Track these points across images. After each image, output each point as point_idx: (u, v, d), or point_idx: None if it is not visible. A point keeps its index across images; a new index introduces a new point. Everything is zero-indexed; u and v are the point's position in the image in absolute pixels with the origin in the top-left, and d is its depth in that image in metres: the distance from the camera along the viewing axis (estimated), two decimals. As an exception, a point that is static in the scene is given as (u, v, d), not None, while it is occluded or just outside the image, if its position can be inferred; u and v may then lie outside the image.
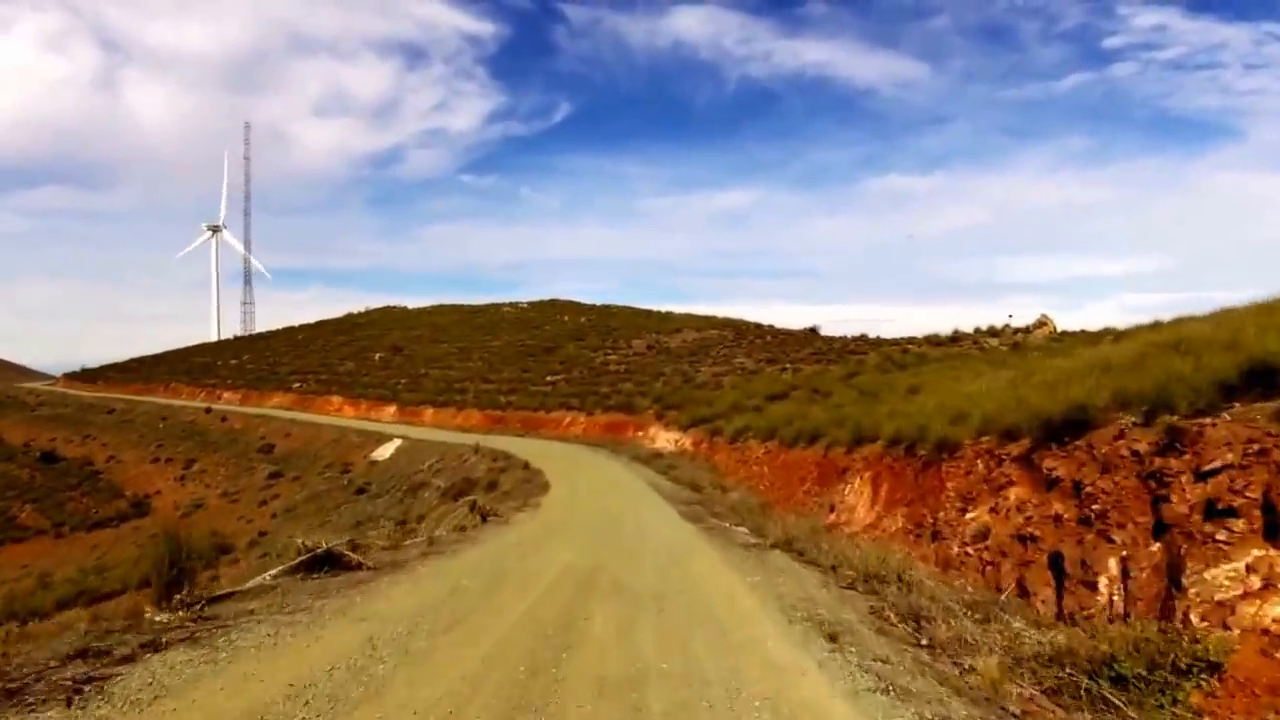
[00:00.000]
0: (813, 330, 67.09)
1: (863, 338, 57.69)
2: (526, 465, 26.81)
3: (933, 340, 51.52)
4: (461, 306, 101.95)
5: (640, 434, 37.63)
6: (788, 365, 46.79)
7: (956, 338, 51.31)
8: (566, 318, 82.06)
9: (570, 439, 41.16)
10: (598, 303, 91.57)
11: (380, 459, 42.19)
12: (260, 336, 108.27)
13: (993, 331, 51.44)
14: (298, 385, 67.04)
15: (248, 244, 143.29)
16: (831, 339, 60.43)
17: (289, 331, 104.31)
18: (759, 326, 71.08)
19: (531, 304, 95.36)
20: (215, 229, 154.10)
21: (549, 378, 56.52)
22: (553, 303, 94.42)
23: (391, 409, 57.41)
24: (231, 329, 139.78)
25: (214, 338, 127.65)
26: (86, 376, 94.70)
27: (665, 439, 34.46)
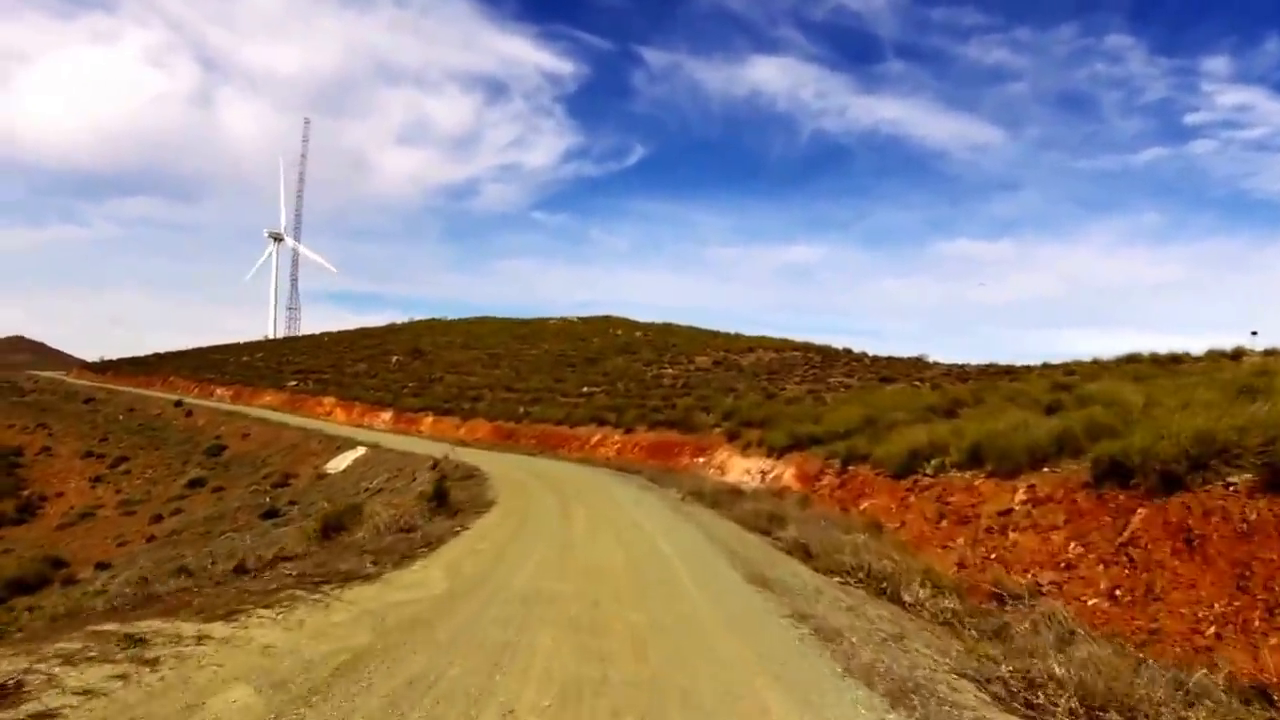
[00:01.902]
0: (919, 358, 52.83)
1: (990, 365, 43.26)
2: (488, 504, 14.36)
3: (1099, 363, 36.88)
4: (508, 319, 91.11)
5: (701, 459, 24.38)
6: (919, 381, 32.94)
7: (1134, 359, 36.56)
8: (619, 331, 69.84)
9: (597, 462, 28.15)
10: (657, 320, 78.91)
11: (332, 471, 30.06)
12: (290, 338, 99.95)
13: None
14: (293, 384, 56.37)
15: (297, 240, 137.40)
16: (949, 364, 46.36)
17: (323, 335, 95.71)
18: (849, 351, 57.17)
19: (582, 318, 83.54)
20: (278, 237, 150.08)
21: (585, 389, 43.88)
22: (606, 318, 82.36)
23: (387, 415, 45.66)
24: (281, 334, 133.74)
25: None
26: (99, 367, 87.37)
27: (744, 467, 21.14)
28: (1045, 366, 37.21)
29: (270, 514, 23.71)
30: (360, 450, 31.42)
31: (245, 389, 58.22)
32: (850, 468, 15.70)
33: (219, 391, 59.99)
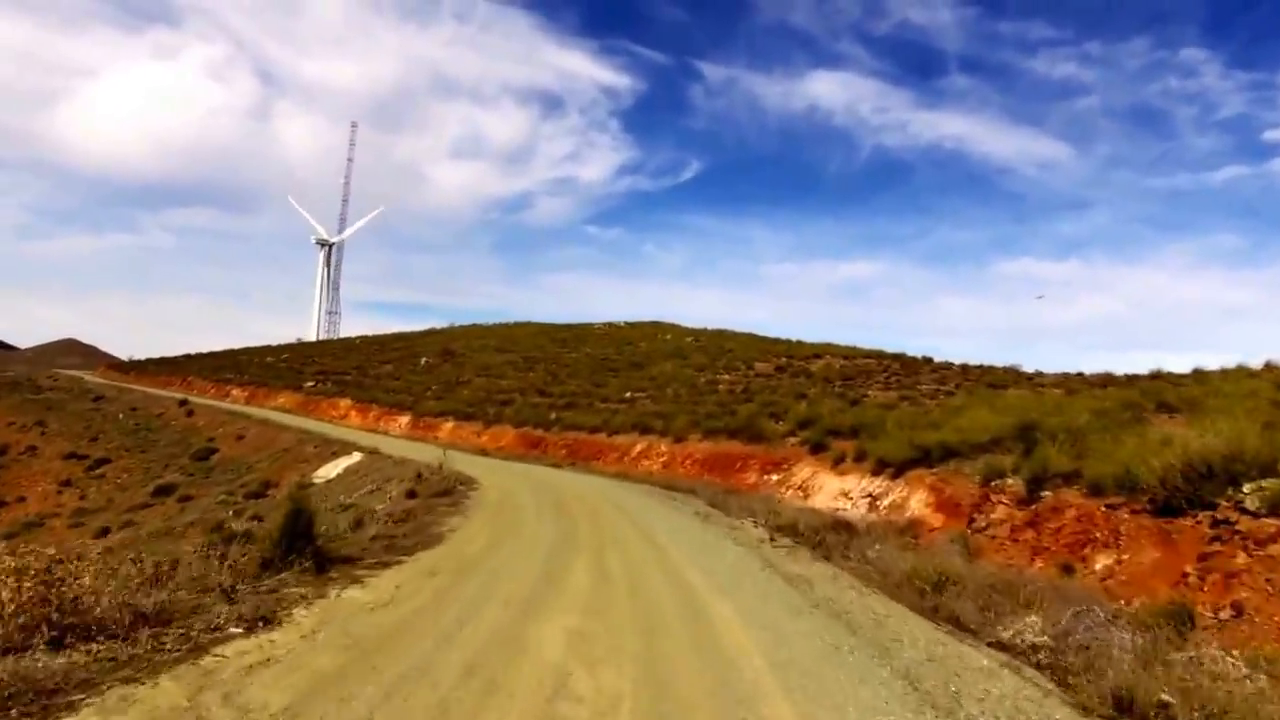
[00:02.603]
0: (1013, 367, 45.75)
1: (1107, 375, 36.37)
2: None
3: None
4: (549, 324, 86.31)
5: (774, 476, 18.53)
6: (1040, 387, 26.47)
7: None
8: (669, 336, 64.24)
9: (638, 477, 22.42)
10: (710, 327, 73.02)
11: (320, 480, 25.02)
12: (323, 341, 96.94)
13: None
14: (310, 385, 52.08)
15: (340, 246, 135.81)
16: (1053, 374, 39.58)
17: (357, 338, 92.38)
18: (929, 360, 50.39)
19: (630, 323, 78.14)
20: (325, 243, 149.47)
21: (628, 394, 38.25)
22: (655, 324, 76.80)
23: (404, 419, 40.72)
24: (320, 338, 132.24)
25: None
26: (124, 367, 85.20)
27: (838, 488, 15.25)
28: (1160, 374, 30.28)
29: (221, 529, 18.59)
30: (356, 457, 26.36)
31: (260, 390, 54.22)
32: (1043, 493, 9.63)
33: (234, 392, 56.13)
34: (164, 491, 26.89)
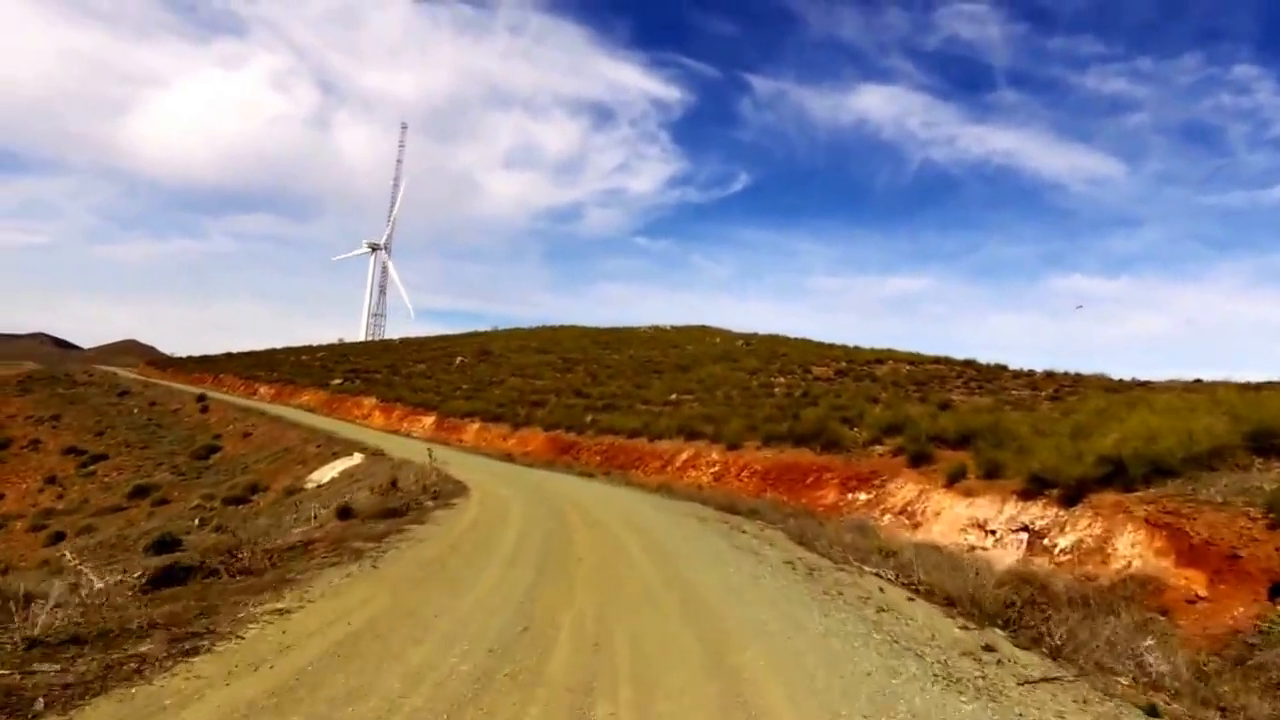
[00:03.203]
0: (1101, 375, 40.26)
1: (1200, 381, 30.90)
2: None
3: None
4: (592, 327, 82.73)
5: (863, 495, 14.18)
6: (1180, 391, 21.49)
7: None
8: (718, 339, 60.05)
9: (684, 491, 18.21)
10: (761, 331, 68.50)
11: (314, 484, 21.57)
12: (362, 342, 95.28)
13: None
14: (337, 383, 49.17)
15: (388, 248, 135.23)
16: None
17: (398, 340, 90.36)
18: (1004, 367, 45.08)
19: (676, 327, 74.06)
20: (375, 247, 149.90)
21: (673, 395, 34.17)
22: (703, 327, 72.59)
23: (429, 420, 37.25)
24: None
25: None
26: (162, 363, 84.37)
27: (969, 517, 10.84)
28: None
29: (164, 546, 15.12)
30: (356, 459, 22.82)
31: (287, 387, 51.60)
32: None
33: (262, 389, 53.67)
34: (142, 493, 23.67)
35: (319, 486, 21.45)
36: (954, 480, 12.25)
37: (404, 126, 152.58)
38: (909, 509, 12.26)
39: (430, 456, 16.61)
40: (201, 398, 44.11)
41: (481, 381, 44.90)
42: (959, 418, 17.27)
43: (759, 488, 17.62)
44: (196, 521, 18.27)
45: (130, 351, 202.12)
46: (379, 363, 58.57)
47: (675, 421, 25.38)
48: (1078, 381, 35.03)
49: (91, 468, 30.54)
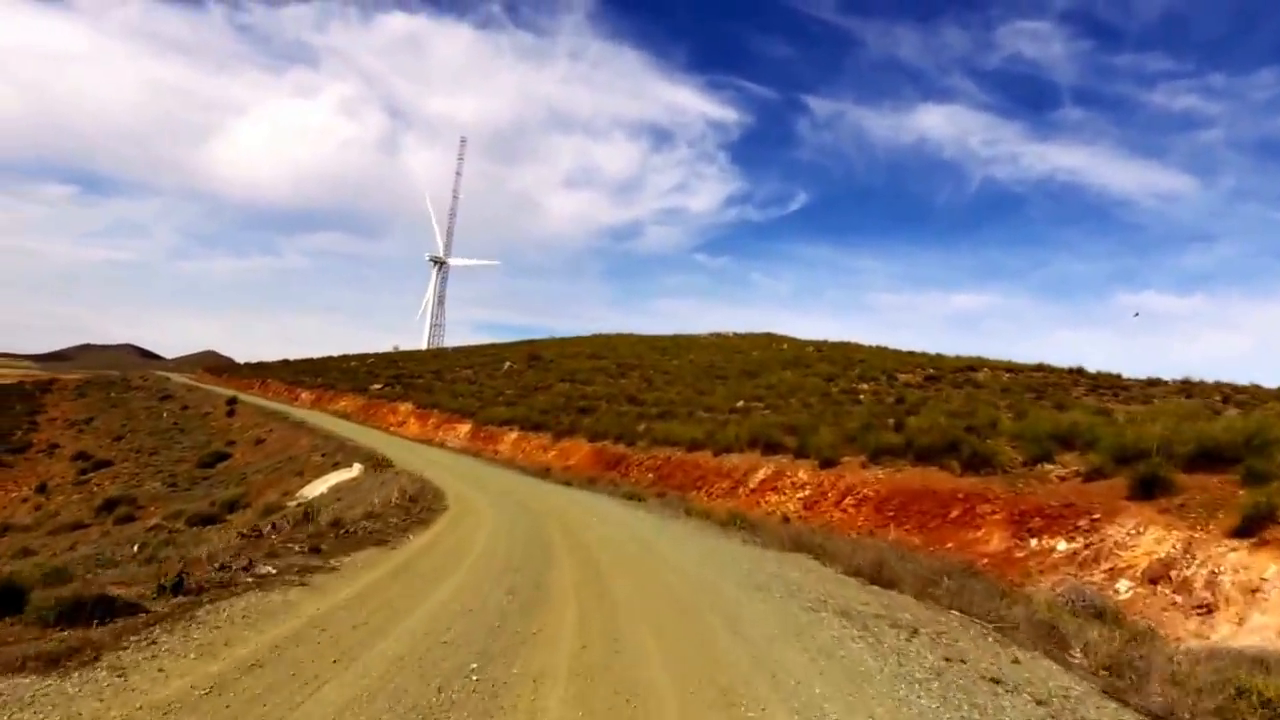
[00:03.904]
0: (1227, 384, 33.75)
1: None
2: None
3: None
4: (650, 335, 78.26)
5: (1054, 543, 9.04)
6: None
7: None
8: (785, 345, 54.96)
9: (767, 528, 13.27)
10: (832, 338, 62.95)
11: (300, 500, 17.48)
12: (412, 350, 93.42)
13: None
14: (377, 388, 45.86)
15: (445, 249, 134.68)
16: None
17: (451, 348, 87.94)
18: (1118, 376, 38.68)
19: (740, 334, 69.03)
20: (439, 261, 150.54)
21: (739, 402, 29.36)
22: (769, 335, 67.37)
23: (465, 428, 33.23)
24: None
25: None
26: (217, 370, 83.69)
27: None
28: None
29: (55, 577, 10.82)
30: (353, 471, 18.70)
31: (327, 392, 48.69)
32: None
33: (303, 395, 51.05)
34: (111, 507, 20.09)
35: (299, 505, 17.43)
36: (1252, 525, 7.17)
37: (463, 140, 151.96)
38: (1176, 576, 7.20)
39: (422, 470, 12.25)
40: (232, 401, 41.31)
41: (526, 387, 40.79)
42: (1154, 428, 11.97)
43: (873, 521, 12.66)
44: (136, 547, 14.29)
45: (207, 361, 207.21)
46: (425, 368, 55.28)
47: (745, 430, 20.49)
48: (1212, 388, 28.95)
49: (90, 475, 27.46)
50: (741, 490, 17.28)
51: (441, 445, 32.13)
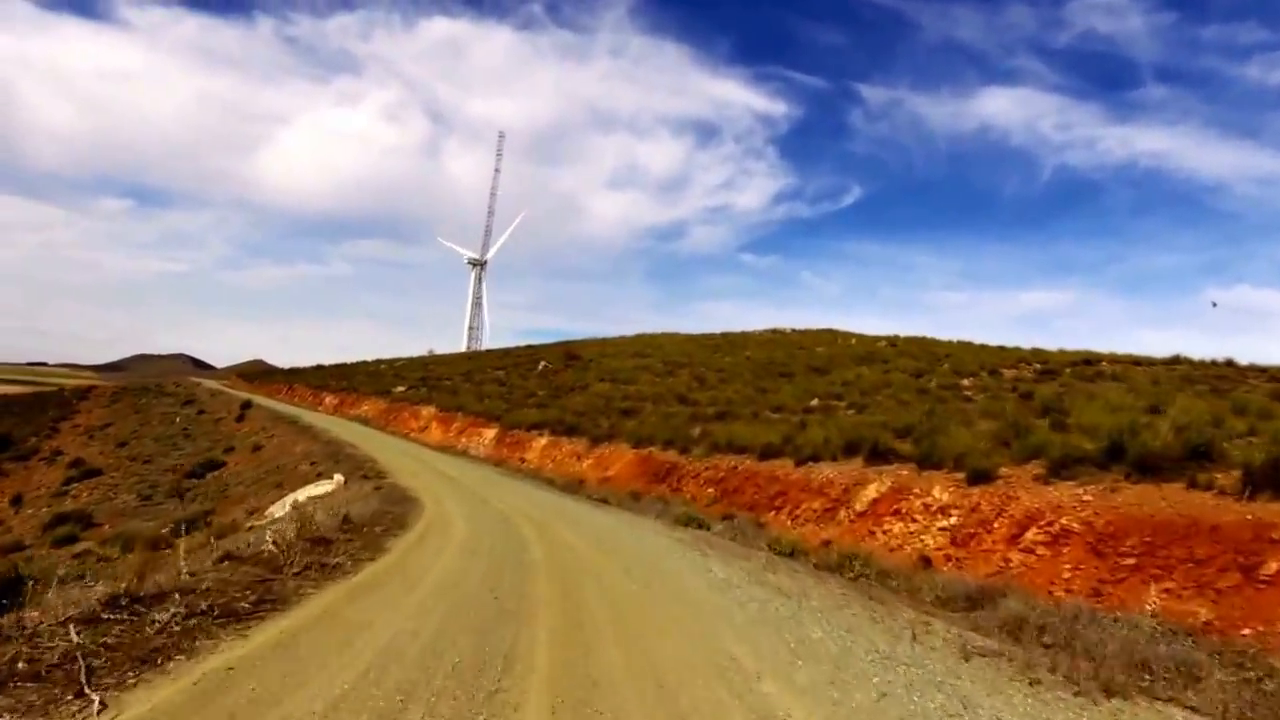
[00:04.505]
0: None
1: None
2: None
3: None
4: (697, 334, 73.21)
5: None
6: None
7: None
8: (854, 340, 49.55)
9: (911, 577, 8.25)
10: (901, 333, 57.10)
11: (262, 521, 13.09)
12: (446, 354, 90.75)
13: None
14: (400, 390, 42.02)
15: (487, 259, 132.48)
16: None
17: (486, 350, 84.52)
18: (1242, 364, 32.18)
19: (798, 330, 63.57)
20: (476, 263, 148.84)
21: (814, 401, 24.33)
22: (830, 330, 61.70)
23: (491, 433, 28.84)
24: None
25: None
26: (250, 376, 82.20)
27: None
28: None
29: None
30: (326, 486, 14.28)
31: (350, 396, 45.24)
32: None
33: (327, 399, 47.87)
34: (61, 522, 16.36)
35: (251, 529, 13.07)
36: None
37: (501, 135, 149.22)
38: None
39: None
40: (246, 405, 38.08)
41: (561, 387, 36.27)
42: None
43: (1092, 572, 7.59)
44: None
45: (252, 369, 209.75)
46: (455, 370, 51.38)
47: (838, 433, 15.45)
48: None
49: (72, 486, 24.00)
50: (843, 513, 12.30)
51: (464, 453, 27.79)
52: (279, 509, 14.02)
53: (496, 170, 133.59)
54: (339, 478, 14.82)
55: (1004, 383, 26.41)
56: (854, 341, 48.36)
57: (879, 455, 13.72)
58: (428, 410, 34.94)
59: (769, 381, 31.17)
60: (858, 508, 12.18)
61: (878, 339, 50.61)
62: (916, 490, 11.44)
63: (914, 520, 10.93)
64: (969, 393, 24.17)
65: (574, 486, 18.44)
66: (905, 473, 12.42)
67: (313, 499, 13.39)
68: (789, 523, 13.42)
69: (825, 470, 14.25)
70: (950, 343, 48.83)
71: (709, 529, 12.57)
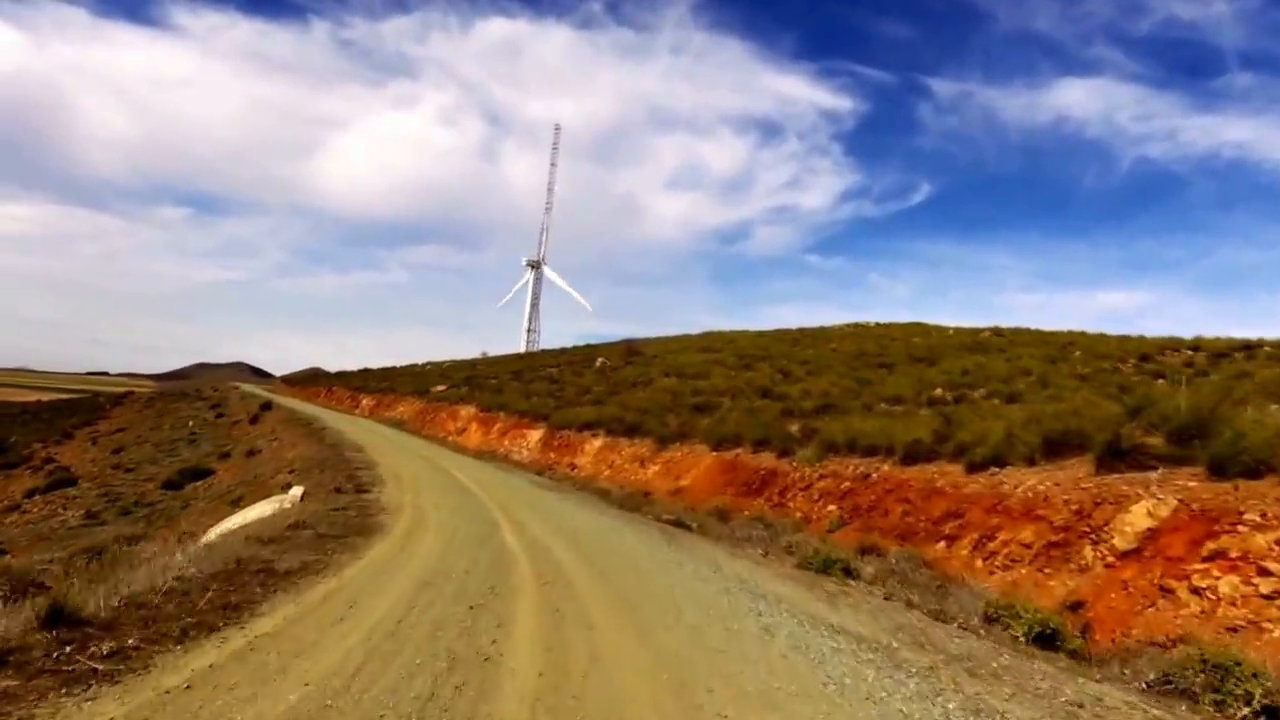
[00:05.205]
0: None
1: None
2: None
3: None
4: (767, 331, 67.87)
5: None
6: None
7: None
8: (952, 330, 44.04)
9: None
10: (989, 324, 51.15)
11: (207, 539, 8.61)
12: (498, 356, 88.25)
13: None
14: (439, 389, 38.32)
15: (542, 251, 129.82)
16: None
17: (541, 351, 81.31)
18: None
19: (882, 324, 57.94)
20: (534, 265, 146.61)
21: (937, 391, 19.22)
22: (919, 324, 55.87)
23: (537, 434, 24.52)
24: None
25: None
26: (293, 380, 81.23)
27: None
28: None
29: None
30: (269, 506, 9.96)
31: (386, 397, 41.98)
32: None
33: (364, 401, 44.87)
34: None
35: (209, 543, 8.90)
36: None
37: (557, 128, 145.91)
38: None
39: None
40: (265, 406, 34.95)
41: (620, 383, 31.79)
42: None
43: None
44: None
45: (302, 377, 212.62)
46: (504, 369, 47.52)
47: (1033, 426, 10.39)
48: None
49: (31, 500, 20.67)
50: (1090, 552, 7.39)
51: (505, 457, 23.53)
52: (214, 533, 9.87)
53: (553, 165, 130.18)
54: (295, 492, 10.64)
55: (1172, 368, 20.87)
56: (951, 332, 42.72)
57: (1117, 455, 8.73)
58: (467, 410, 30.89)
59: (868, 373, 26.08)
60: (1118, 543, 7.24)
61: (978, 330, 44.87)
62: (1248, 518, 6.45)
63: (1265, 572, 5.95)
64: (1132, 379, 18.84)
65: (637, 501, 13.86)
66: (1193, 485, 7.43)
67: (246, 525, 9.16)
68: (979, 563, 8.58)
69: (1023, 478, 9.32)
70: (1063, 333, 42.65)
71: (858, 577, 7.84)
